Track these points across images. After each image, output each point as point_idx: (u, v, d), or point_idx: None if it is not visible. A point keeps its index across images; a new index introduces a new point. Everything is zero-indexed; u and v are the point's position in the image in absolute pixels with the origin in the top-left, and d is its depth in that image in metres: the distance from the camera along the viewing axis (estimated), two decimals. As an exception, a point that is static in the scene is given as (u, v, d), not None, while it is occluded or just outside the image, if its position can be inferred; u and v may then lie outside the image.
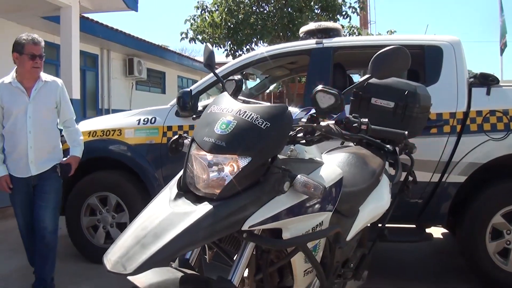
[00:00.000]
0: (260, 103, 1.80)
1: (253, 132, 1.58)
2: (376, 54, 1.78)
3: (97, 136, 4.19)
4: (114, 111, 11.87)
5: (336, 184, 1.84)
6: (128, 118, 4.22)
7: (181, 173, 1.70)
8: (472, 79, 3.65)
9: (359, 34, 15.11)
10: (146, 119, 4.10)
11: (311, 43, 3.95)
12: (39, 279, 3.35)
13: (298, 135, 1.79)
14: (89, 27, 9.70)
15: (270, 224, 1.57)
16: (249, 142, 1.56)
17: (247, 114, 1.62)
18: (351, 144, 2.89)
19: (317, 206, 1.73)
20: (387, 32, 15.30)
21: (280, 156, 1.74)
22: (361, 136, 1.87)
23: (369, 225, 2.75)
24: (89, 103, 11.61)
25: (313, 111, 1.79)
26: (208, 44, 2.33)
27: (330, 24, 4.14)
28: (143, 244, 1.42)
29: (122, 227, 4.04)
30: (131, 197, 4.04)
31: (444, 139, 3.48)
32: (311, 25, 4.15)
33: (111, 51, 12.31)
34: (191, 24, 13.48)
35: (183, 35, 13.97)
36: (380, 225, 2.75)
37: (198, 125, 1.72)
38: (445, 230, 4.79)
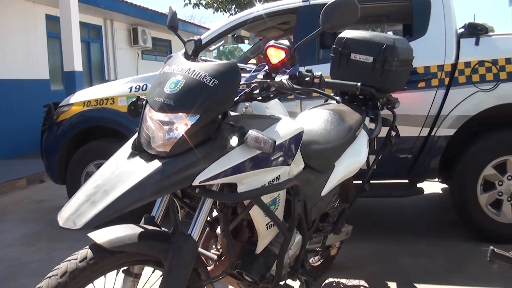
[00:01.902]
0: (212, 61, 1.80)
1: (201, 90, 1.60)
2: (325, 6, 1.76)
3: (91, 105, 4.24)
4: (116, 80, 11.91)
5: (294, 138, 1.85)
6: (120, 86, 4.25)
7: (136, 134, 1.73)
8: (461, 30, 3.58)
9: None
10: (137, 86, 4.12)
11: (297, 1, 3.89)
12: None
13: (254, 91, 1.80)
14: (90, -2, 9.65)
15: (223, 179, 1.60)
16: (197, 100, 1.59)
17: (196, 73, 1.64)
18: (334, 101, 2.88)
19: (272, 160, 1.74)
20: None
21: (234, 113, 1.76)
22: (313, 90, 1.86)
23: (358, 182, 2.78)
24: (96, 75, 11.63)
25: (267, 67, 1.79)
26: (172, 6, 2.32)
27: (316, -20, 4.05)
28: (93, 201, 1.47)
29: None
30: (127, 164, 4.11)
31: (432, 92, 3.44)
32: (298, -18, 4.07)
33: (115, 21, 12.20)
34: (194, -11, 13.35)
35: (186, 1, 13.88)
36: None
37: (151, 86, 1.75)
38: (444, 185, 4.78)
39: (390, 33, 6.18)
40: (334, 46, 2.98)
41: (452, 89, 3.41)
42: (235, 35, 4.93)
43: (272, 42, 1.73)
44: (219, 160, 1.60)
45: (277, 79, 1.77)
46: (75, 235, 3.98)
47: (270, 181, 1.75)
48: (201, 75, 1.63)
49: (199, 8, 14.17)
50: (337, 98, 2.62)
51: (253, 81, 1.82)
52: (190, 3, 13.92)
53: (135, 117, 1.88)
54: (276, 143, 1.64)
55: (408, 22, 3.85)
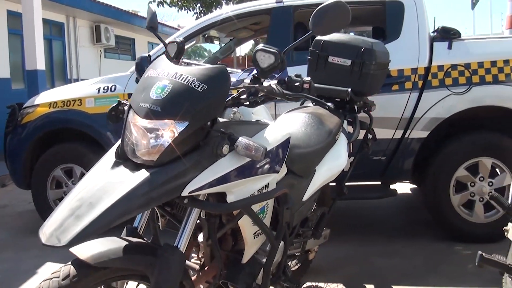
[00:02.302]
0: (200, 65, 1.75)
1: (189, 95, 1.54)
2: (315, 10, 1.73)
3: (58, 107, 4.09)
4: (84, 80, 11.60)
5: (282, 145, 1.82)
6: (88, 87, 4.12)
7: (119, 141, 1.66)
8: (434, 33, 3.62)
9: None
10: (106, 87, 4.00)
11: (271, 2, 3.85)
12: None
13: (242, 96, 1.75)
14: (52, -6, 9.36)
15: (212, 188, 1.55)
16: (185, 106, 1.52)
17: (183, 77, 1.58)
18: (310, 104, 2.86)
19: (262, 168, 1.70)
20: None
21: (222, 119, 1.71)
22: (303, 96, 1.83)
23: (334, 184, 2.77)
24: (58, 74, 11.29)
25: (255, 71, 1.75)
26: (151, 6, 2.24)
27: (289, -19, 4.03)
28: (78, 215, 1.39)
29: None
30: (95, 167, 3.98)
31: (406, 95, 3.47)
32: (271, -17, 4.04)
33: (77, 18, 11.90)
34: (159, -13, 13.16)
35: (151, -1, 13.63)
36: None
37: (134, 91, 1.67)
38: (413, 185, 4.84)
39: (351, 34, 6.20)
40: (311, 48, 2.95)
41: (425, 92, 3.45)
42: (206, 35, 4.85)
43: (261, 46, 1.69)
44: (208, 169, 1.54)
45: (265, 84, 1.72)
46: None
47: (260, 189, 1.71)
48: (189, 79, 1.56)
49: (163, 6, 13.96)
50: (329, 104, 2.58)
51: (240, 86, 1.77)
52: (154, 1, 13.68)
53: (115, 122, 1.81)
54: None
55: (380, 25, 3.87)
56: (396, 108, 3.47)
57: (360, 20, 4.55)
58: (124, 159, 1.59)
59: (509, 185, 3.40)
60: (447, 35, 3.49)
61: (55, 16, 11.01)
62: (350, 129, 2.73)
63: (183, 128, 1.51)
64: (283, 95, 1.72)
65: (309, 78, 1.76)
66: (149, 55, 3.87)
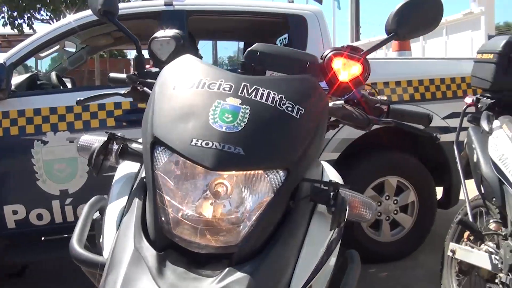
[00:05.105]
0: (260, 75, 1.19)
1: (284, 125, 0.96)
2: (401, 4, 1.31)
3: None
4: None
5: None
6: None
7: (134, 210, 0.96)
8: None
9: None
10: None
11: (158, 4, 3.28)
12: None
13: None
14: None
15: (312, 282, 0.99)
16: (283, 144, 0.94)
17: (263, 93, 0.98)
18: None
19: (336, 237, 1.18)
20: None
21: None
22: (392, 122, 1.34)
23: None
24: None
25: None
26: None
27: (175, -20, 3.51)
28: None
29: None
30: None
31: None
32: (151, -19, 3.46)
33: None
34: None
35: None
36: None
37: (159, 116, 0.96)
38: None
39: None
40: (243, 60, 2.51)
41: (334, 111, 3.28)
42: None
43: (331, 51, 1.21)
44: (305, 248, 0.97)
45: (330, 104, 1.20)
46: None
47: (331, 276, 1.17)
48: (274, 98, 0.97)
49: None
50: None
51: None
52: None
53: (101, 173, 1.06)
54: None
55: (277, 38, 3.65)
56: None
57: (264, 33, 4.22)
58: (164, 246, 0.90)
59: (413, 201, 3.46)
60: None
61: None
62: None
63: (281, 183, 0.92)
64: (368, 122, 1.23)
65: (385, 98, 1.33)
66: (4, 62, 2.99)
